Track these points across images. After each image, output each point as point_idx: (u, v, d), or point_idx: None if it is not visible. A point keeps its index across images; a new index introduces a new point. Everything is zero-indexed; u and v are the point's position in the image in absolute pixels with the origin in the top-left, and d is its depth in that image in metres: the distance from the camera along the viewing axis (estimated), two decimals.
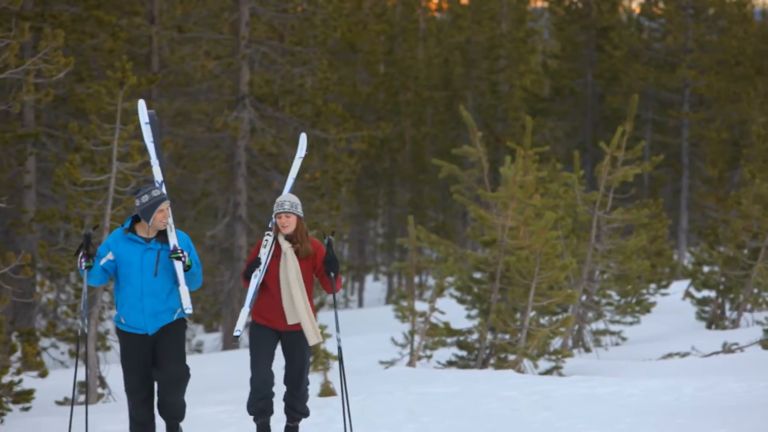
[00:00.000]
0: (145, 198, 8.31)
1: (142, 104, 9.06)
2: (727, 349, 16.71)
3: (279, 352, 8.82)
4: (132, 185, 15.76)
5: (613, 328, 20.39)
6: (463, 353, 16.10)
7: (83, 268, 8.28)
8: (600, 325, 20.22)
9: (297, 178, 9.44)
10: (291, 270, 8.57)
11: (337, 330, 8.93)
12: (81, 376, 16.71)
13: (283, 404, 8.86)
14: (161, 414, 8.50)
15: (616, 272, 19.22)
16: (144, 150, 14.96)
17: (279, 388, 8.80)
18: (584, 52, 43.07)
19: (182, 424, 8.67)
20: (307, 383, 8.82)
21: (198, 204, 29.21)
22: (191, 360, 11.53)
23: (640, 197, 35.25)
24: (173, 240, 8.37)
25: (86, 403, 9.41)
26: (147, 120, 8.91)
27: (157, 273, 8.32)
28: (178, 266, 8.34)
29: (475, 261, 15.90)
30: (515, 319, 15.62)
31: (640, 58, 41.95)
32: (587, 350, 19.58)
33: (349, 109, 39.00)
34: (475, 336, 15.92)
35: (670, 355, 16.97)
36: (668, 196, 42.44)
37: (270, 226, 8.76)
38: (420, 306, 17.30)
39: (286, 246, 8.62)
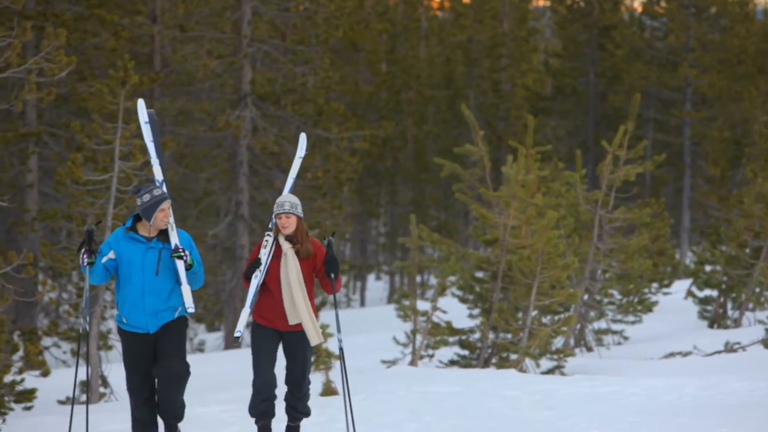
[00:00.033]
0: (147, 197, 8.31)
1: (141, 104, 9.06)
2: (729, 348, 16.70)
3: (280, 352, 8.81)
4: (134, 184, 15.76)
5: (615, 327, 20.37)
6: (465, 352, 16.08)
7: (85, 264, 8.27)
8: (602, 324, 20.20)
9: (298, 177, 9.43)
10: (291, 270, 8.56)
11: (338, 330, 8.92)
12: (82, 375, 16.70)
13: (284, 404, 8.84)
14: (160, 414, 8.48)
15: (618, 271, 19.21)
16: (146, 149, 14.95)
17: (280, 389, 8.78)
18: (586, 50, 43.07)
19: (183, 423, 8.66)
20: (309, 383, 8.81)
21: (200, 203, 29.22)
22: (193, 359, 11.51)
23: (642, 196, 35.21)
24: (174, 239, 8.36)
25: (87, 402, 9.42)
26: (146, 119, 8.91)
27: (159, 272, 8.31)
28: (180, 265, 8.33)
29: (477, 260, 15.89)
30: (517, 318, 15.61)
31: (642, 57, 41.92)
32: (589, 349, 19.57)
33: (351, 108, 38.96)
34: (477, 335, 15.91)
35: (672, 355, 16.96)
36: (670, 195, 42.41)
37: (270, 226, 8.75)
38: (422, 305, 17.25)
39: (286, 246, 8.61)
